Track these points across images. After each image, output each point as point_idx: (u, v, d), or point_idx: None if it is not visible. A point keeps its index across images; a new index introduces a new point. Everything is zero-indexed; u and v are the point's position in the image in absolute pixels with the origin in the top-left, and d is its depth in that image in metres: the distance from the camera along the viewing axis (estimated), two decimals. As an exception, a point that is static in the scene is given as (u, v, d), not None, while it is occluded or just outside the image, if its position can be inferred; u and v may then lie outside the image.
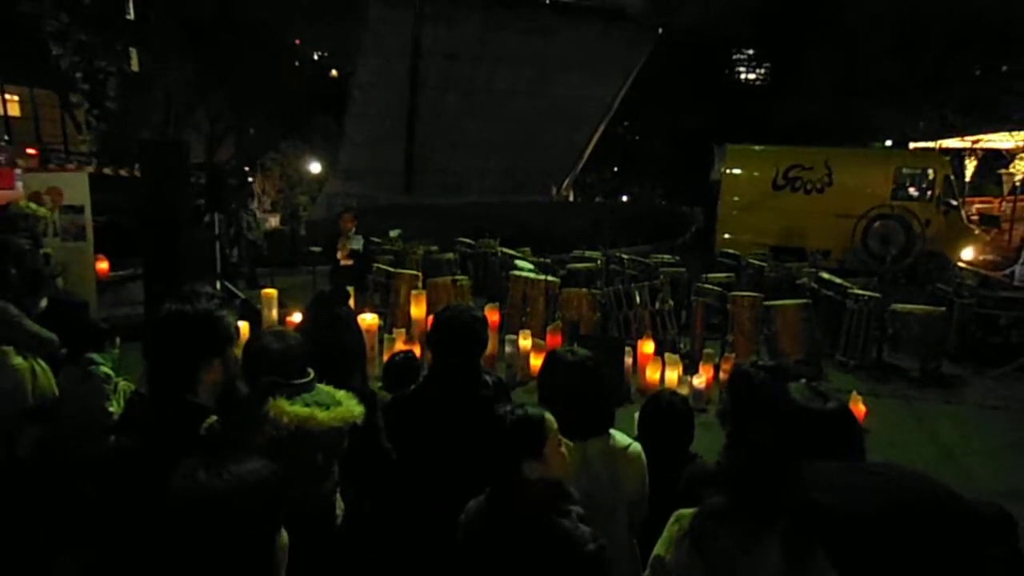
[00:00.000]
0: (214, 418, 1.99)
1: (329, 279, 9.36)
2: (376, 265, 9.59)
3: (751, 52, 43.23)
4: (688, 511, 1.68)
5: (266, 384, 1.99)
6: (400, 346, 6.82)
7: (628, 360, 7.24)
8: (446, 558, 2.09)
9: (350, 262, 9.04)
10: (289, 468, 1.80)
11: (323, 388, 2.09)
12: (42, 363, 3.52)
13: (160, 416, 1.91)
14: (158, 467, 1.38)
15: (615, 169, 43.90)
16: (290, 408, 1.94)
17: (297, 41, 29.26)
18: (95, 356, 3.48)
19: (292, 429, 1.92)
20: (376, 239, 12.44)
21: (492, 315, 7.77)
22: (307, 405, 1.98)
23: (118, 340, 3.72)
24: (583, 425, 2.30)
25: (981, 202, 22.71)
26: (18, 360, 3.43)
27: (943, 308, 8.55)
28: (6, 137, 25.34)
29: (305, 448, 1.95)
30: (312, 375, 2.10)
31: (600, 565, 1.86)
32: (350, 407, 2.06)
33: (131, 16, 22.13)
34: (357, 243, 9.14)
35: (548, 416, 2.01)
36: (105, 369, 3.48)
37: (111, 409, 3.35)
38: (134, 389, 2.78)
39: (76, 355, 3.49)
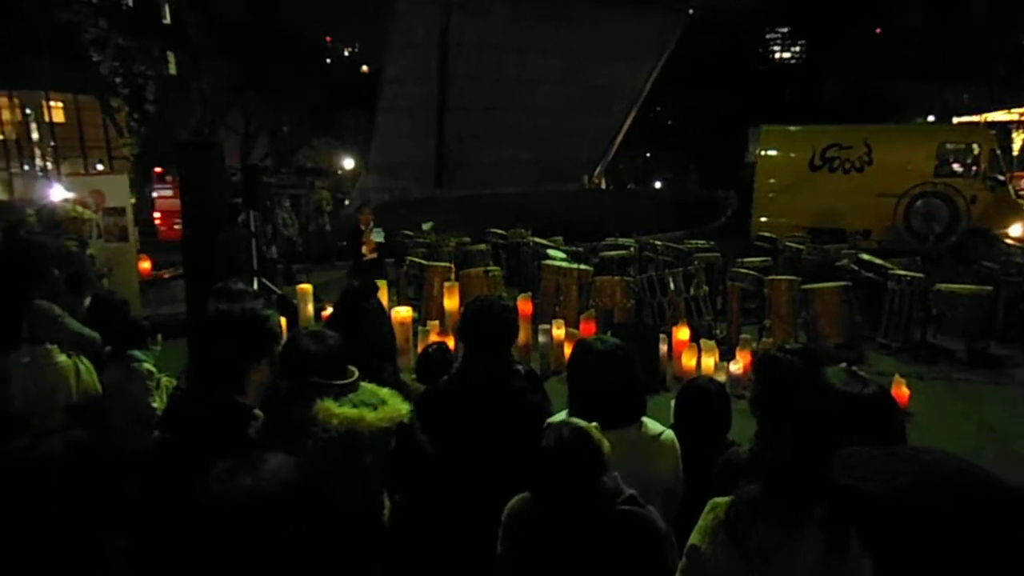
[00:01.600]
0: (262, 419, 2.00)
1: (350, 273, 9.53)
2: (409, 258, 9.68)
3: (785, 31, 42.33)
4: (723, 500, 1.66)
5: (312, 386, 1.97)
6: (434, 338, 6.86)
7: (663, 347, 7.18)
8: (482, 549, 2.09)
9: (375, 255, 9.24)
10: (337, 470, 1.81)
11: (367, 386, 2.08)
12: (85, 361, 3.62)
13: (208, 416, 1.92)
14: (202, 468, 1.39)
15: (647, 155, 43.49)
16: (338, 410, 1.93)
17: (328, 39, 29.53)
18: (137, 353, 3.58)
19: (342, 431, 1.91)
20: (408, 232, 12.53)
21: (525, 305, 7.76)
22: (355, 406, 1.97)
23: (159, 337, 3.81)
24: (614, 414, 2.28)
25: (1030, 177, 21.92)
26: (62, 358, 3.53)
27: (990, 287, 8.28)
28: (52, 143, 26.13)
29: (354, 450, 1.94)
30: (356, 374, 2.09)
31: (673, 545, 1.88)
32: (396, 405, 2.04)
33: (167, 20, 22.57)
34: (379, 236, 9.36)
35: (585, 425, 1.97)
36: (148, 365, 3.57)
37: (154, 404, 3.45)
38: (176, 385, 2.84)
39: (119, 353, 3.59)
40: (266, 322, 2.07)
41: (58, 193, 8.48)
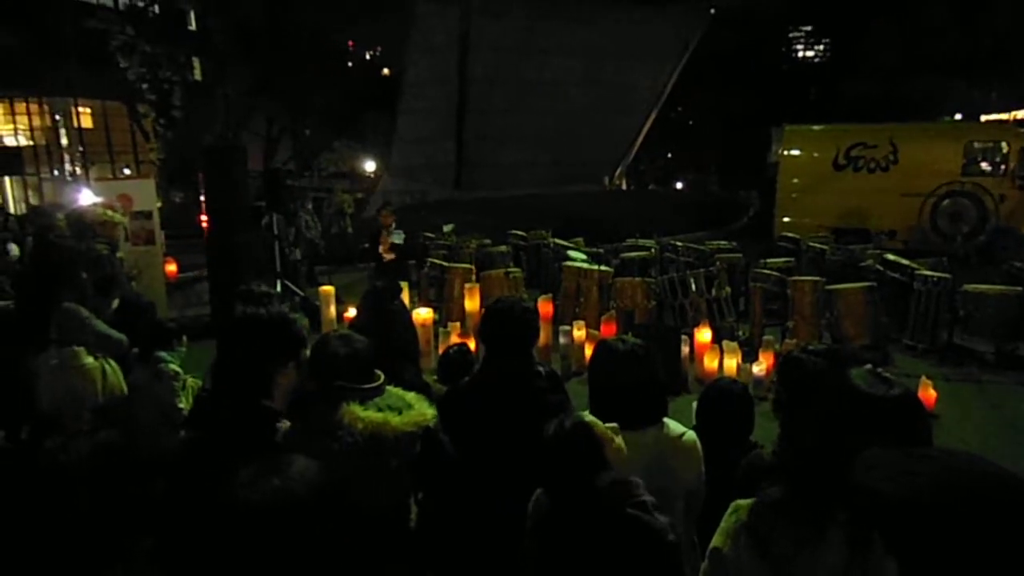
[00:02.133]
0: (287, 423, 2.01)
1: (373, 275, 9.58)
2: (430, 259, 9.72)
3: (808, 29, 41.90)
4: (746, 502, 1.65)
5: (337, 389, 1.98)
6: (455, 339, 6.89)
7: (685, 349, 7.14)
8: (504, 549, 2.10)
9: (392, 256, 9.25)
10: (364, 475, 1.80)
11: (392, 391, 2.09)
12: (112, 363, 3.68)
13: (234, 419, 1.92)
14: (229, 470, 1.39)
15: (668, 155, 43.25)
16: (364, 414, 1.93)
17: (351, 43, 29.78)
18: (164, 355, 3.64)
19: (367, 436, 1.91)
20: (429, 234, 12.58)
21: (546, 306, 7.77)
22: (380, 410, 1.97)
23: (185, 339, 3.87)
24: (636, 415, 2.28)
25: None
26: (89, 360, 3.59)
27: (1019, 288, 8.12)
28: (80, 148, 26.63)
29: (379, 454, 1.94)
30: (382, 378, 2.09)
31: (679, 554, 1.87)
32: (422, 410, 2.05)
33: (193, 27, 22.92)
34: (398, 237, 9.35)
35: (591, 420, 1.98)
36: (174, 367, 3.63)
37: (181, 405, 3.50)
38: (201, 386, 2.88)
39: (146, 354, 3.66)
40: (294, 325, 2.08)
41: (87, 197, 8.64)
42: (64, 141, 29.18)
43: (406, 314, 2.76)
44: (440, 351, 6.61)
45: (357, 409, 1.94)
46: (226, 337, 2.06)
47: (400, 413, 1.99)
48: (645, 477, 2.01)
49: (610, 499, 1.87)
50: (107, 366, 3.65)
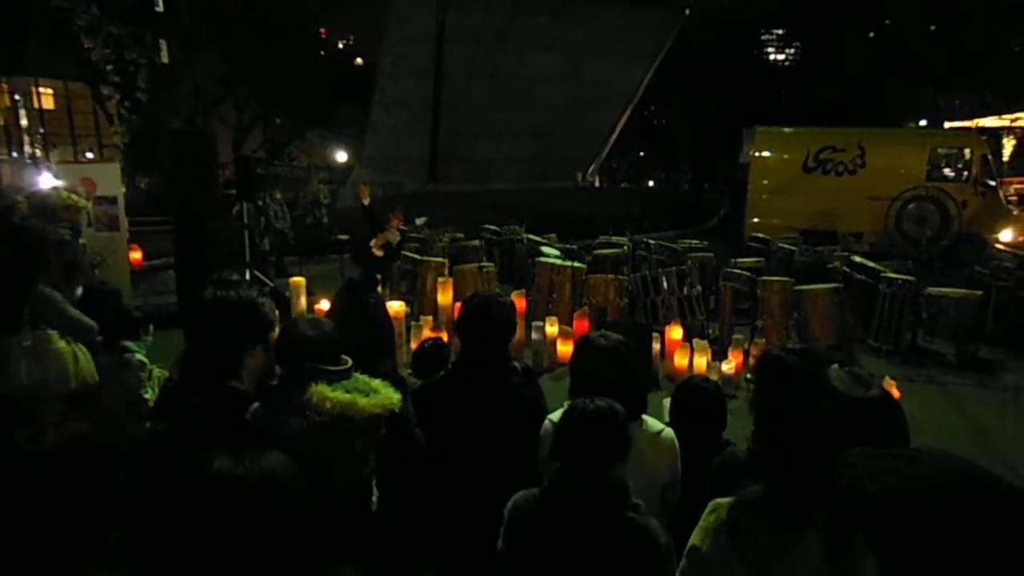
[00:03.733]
0: (257, 404, 2.02)
1: (352, 262, 9.58)
2: (403, 253, 9.67)
3: (780, 32, 42.47)
4: (725, 500, 1.65)
5: (307, 370, 2.00)
6: (427, 333, 6.85)
7: (656, 346, 7.19)
8: (476, 542, 2.08)
9: (381, 253, 9.29)
10: (328, 453, 1.80)
11: (359, 376, 2.11)
12: (83, 348, 3.58)
13: (204, 402, 1.92)
14: (200, 453, 1.38)
15: (641, 154, 43.53)
16: (332, 394, 1.96)
17: (323, 31, 29.37)
18: (130, 344, 3.55)
19: (334, 415, 1.94)
20: (402, 227, 12.49)
21: (519, 302, 7.75)
22: (347, 392, 2.00)
23: (151, 328, 3.78)
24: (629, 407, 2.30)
25: (1020, 182, 22.07)
26: (61, 344, 3.50)
27: (980, 292, 8.34)
28: (41, 130, 25.86)
29: (345, 434, 1.97)
30: (350, 363, 2.12)
31: (672, 556, 1.87)
32: (388, 394, 2.07)
33: (160, 8, 22.38)
34: (394, 237, 9.45)
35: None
36: (140, 356, 3.54)
37: (146, 396, 3.42)
38: (168, 376, 2.81)
39: (112, 343, 3.56)
40: (262, 308, 2.06)
41: (47, 180, 8.38)
42: (24, 122, 28.30)
43: (382, 307, 2.72)
44: (413, 345, 6.57)
45: (325, 389, 1.96)
46: (195, 319, 2.02)
47: (367, 395, 2.02)
48: (627, 473, 2.00)
49: (615, 497, 1.86)
50: (79, 351, 3.56)
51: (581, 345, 2.49)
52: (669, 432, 2.39)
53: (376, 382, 2.13)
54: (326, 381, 1.99)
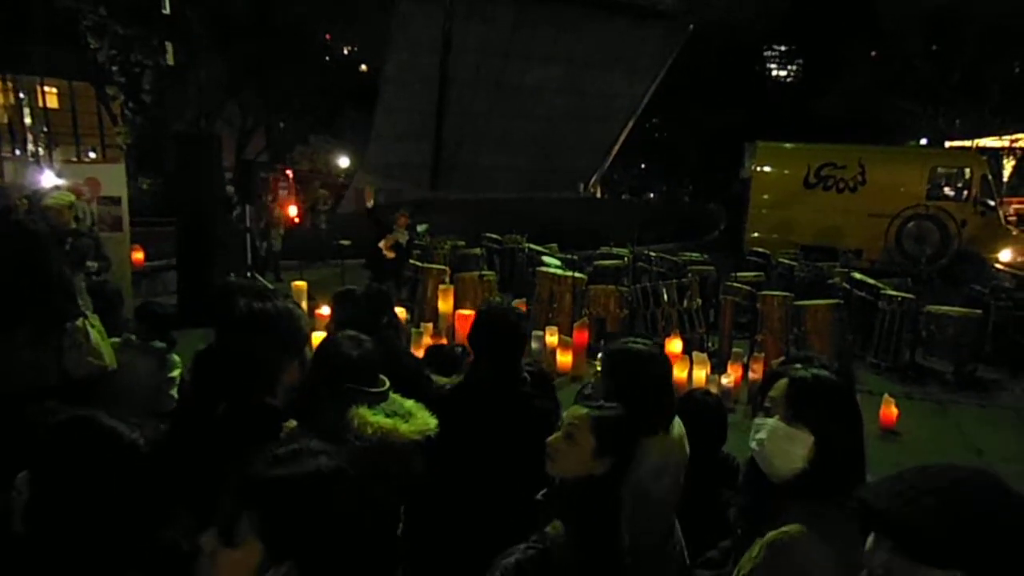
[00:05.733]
0: (294, 423, 1.94)
1: (365, 267, 9.60)
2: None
3: (783, 49, 42.66)
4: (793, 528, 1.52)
5: (348, 391, 1.93)
6: (427, 340, 6.86)
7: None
8: (488, 551, 2.08)
9: (392, 254, 9.33)
10: (369, 479, 1.79)
11: (395, 397, 2.05)
12: (97, 323, 3.45)
13: (235, 417, 1.84)
14: (226, 467, 1.31)
15: (642, 166, 43.63)
16: (373, 418, 1.89)
17: (328, 36, 29.47)
18: (161, 344, 3.55)
19: (375, 440, 1.87)
20: (410, 224, 12.53)
21: (519, 311, 7.77)
22: (388, 415, 1.94)
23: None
24: (666, 416, 2.32)
25: (1019, 203, 22.15)
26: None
27: (979, 310, 8.37)
28: (44, 128, 25.89)
29: (385, 460, 1.90)
30: (387, 384, 2.04)
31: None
32: (425, 419, 2.01)
33: (167, 11, 22.47)
34: (403, 237, 9.47)
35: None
36: (175, 357, 3.54)
37: (174, 394, 3.39)
38: (184, 379, 2.78)
39: (151, 338, 3.54)
40: (302, 320, 2.01)
41: (49, 179, 8.39)
42: (28, 120, 28.32)
43: (401, 340, 2.67)
44: (413, 351, 6.56)
45: (367, 413, 1.89)
46: (229, 330, 1.96)
47: (406, 420, 1.95)
48: (656, 480, 2.03)
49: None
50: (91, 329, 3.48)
51: (618, 355, 2.41)
52: (679, 426, 2.42)
53: (409, 403, 2.07)
54: (366, 404, 1.92)
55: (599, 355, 2.55)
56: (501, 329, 2.53)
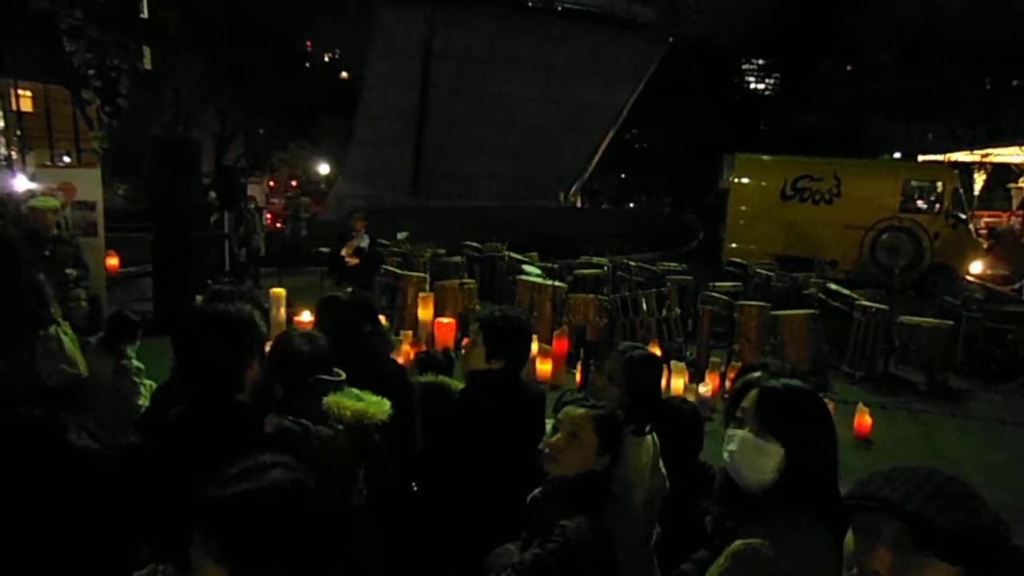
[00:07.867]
0: (277, 418, 2.03)
1: (337, 282, 9.43)
2: (384, 267, 9.63)
3: (761, 63, 43.28)
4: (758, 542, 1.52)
5: (316, 382, 2.10)
6: (407, 348, 6.83)
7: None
8: (481, 536, 2.09)
9: (355, 260, 9.17)
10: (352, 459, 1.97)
11: (348, 387, 2.20)
12: (68, 330, 3.39)
13: (215, 416, 1.90)
14: (211, 466, 1.37)
15: (622, 176, 43.95)
16: (348, 403, 2.06)
17: (308, 43, 29.36)
18: (127, 349, 3.50)
19: (352, 423, 2.04)
20: (383, 241, 12.45)
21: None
22: (357, 401, 2.11)
23: (140, 333, 3.72)
24: (655, 417, 2.39)
25: (990, 216, 22.63)
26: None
27: (951, 321, 8.51)
28: (18, 132, 25.46)
29: (361, 440, 2.07)
30: (343, 375, 2.20)
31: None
32: (382, 403, 2.15)
33: (145, 15, 22.26)
34: (363, 241, 9.32)
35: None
36: (137, 363, 3.49)
37: (141, 403, 3.35)
38: (160, 384, 2.76)
39: (110, 345, 3.49)
40: (257, 321, 2.08)
41: (22, 183, 8.25)
42: (0, 124, 27.85)
43: (386, 347, 2.79)
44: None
45: (341, 399, 2.07)
46: (191, 333, 2.00)
47: (370, 405, 2.12)
48: (643, 478, 2.06)
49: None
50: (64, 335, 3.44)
51: (640, 360, 2.51)
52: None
53: (362, 392, 2.19)
54: (333, 391, 2.09)
55: (610, 357, 2.57)
56: (517, 339, 2.64)
